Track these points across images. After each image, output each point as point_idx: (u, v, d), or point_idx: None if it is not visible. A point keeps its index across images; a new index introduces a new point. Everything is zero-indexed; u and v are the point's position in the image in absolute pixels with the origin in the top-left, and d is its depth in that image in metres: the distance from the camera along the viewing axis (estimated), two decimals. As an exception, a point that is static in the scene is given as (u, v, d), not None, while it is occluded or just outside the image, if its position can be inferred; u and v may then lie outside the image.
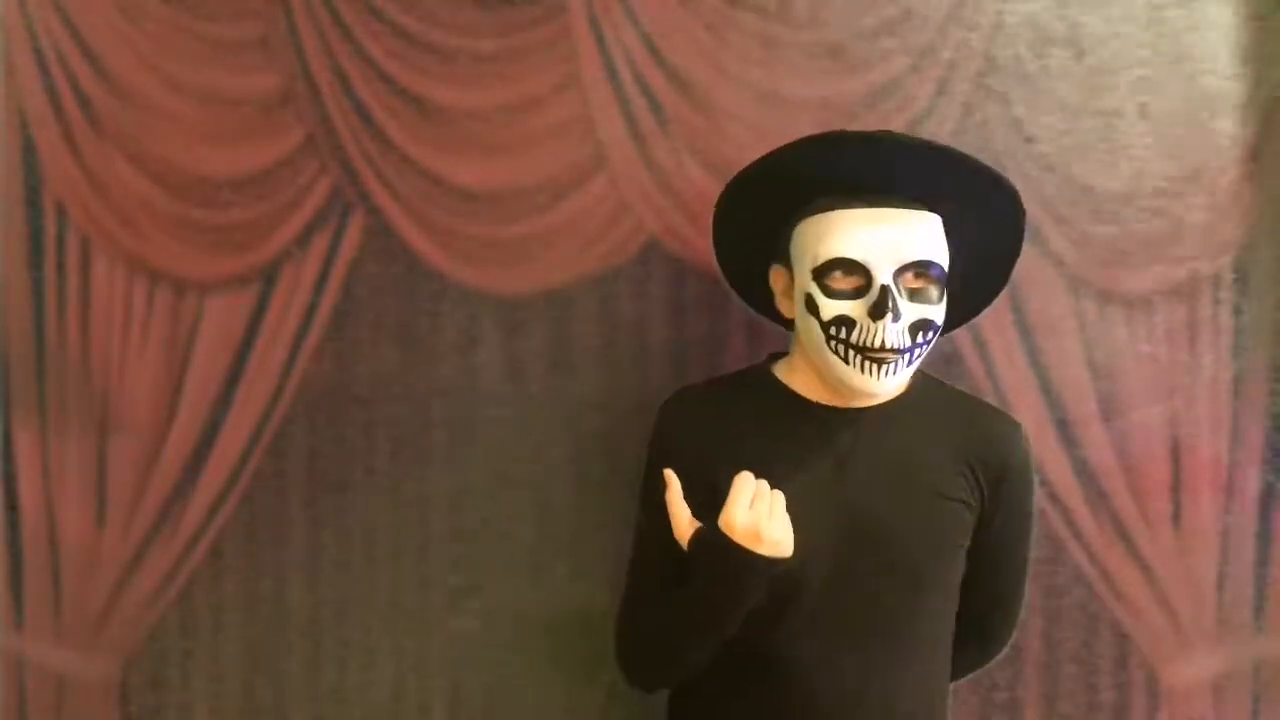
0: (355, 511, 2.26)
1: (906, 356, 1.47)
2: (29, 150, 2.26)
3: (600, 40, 2.18)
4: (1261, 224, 2.20)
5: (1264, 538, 2.23)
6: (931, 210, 1.50)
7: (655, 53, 2.17)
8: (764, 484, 1.46)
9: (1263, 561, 2.24)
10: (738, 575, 1.43)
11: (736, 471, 1.51)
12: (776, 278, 1.60)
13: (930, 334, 1.49)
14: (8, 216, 2.28)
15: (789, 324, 1.63)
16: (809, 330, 1.49)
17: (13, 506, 2.31)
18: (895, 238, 1.44)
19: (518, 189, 2.19)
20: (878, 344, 1.43)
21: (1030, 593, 2.23)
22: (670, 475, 1.54)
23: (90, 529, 2.29)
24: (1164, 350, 2.20)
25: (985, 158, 2.16)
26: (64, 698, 2.31)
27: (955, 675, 1.73)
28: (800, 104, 2.15)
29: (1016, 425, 1.63)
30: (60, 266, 2.28)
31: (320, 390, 2.25)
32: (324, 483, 2.26)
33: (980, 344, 2.19)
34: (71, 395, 2.28)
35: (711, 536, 1.47)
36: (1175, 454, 2.22)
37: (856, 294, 1.44)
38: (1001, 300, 2.19)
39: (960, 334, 2.18)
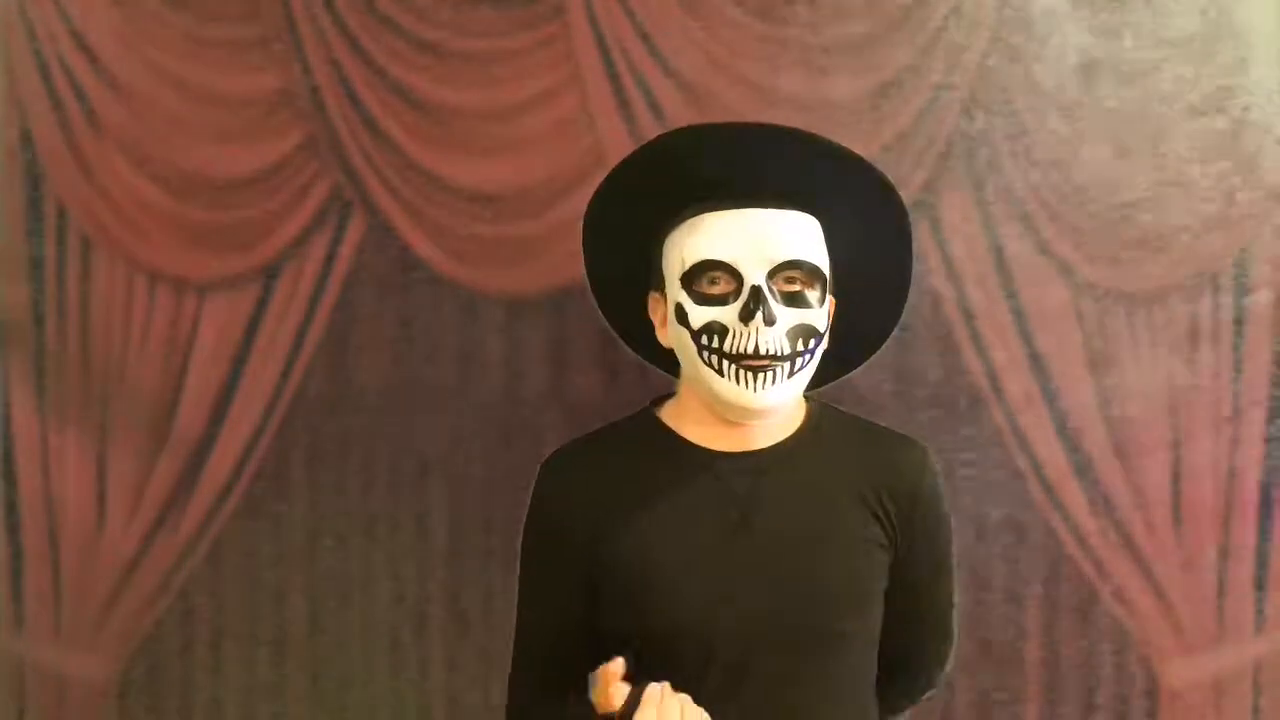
0: (354, 511, 2.26)
1: (786, 366, 1.33)
2: (29, 150, 2.26)
3: (600, 40, 2.18)
4: (1263, 224, 2.20)
5: (1264, 538, 2.23)
6: (809, 213, 1.38)
7: (655, 53, 2.17)
8: (670, 699, 1.27)
9: (1263, 561, 2.24)
10: None
11: (628, 539, 1.36)
12: (654, 306, 1.45)
13: (813, 342, 1.35)
14: (8, 216, 2.28)
15: (674, 366, 1.47)
16: (682, 346, 1.37)
17: (13, 508, 2.31)
18: (765, 236, 1.33)
19: (518, 189, 2.19)
20: (751, 349, 1.31)
21: (1031, 593, 2.23)
22: (613, 669, 1.31)
23: (90, 530, 2.29)
24: (1164, 349, 2.20)
25: (985, 158, 2.18)
26: (64, 698, 2.31)
27: (882, 716, 1.54)
28: (801, 103, 2.15)
29: (923, 450, 1.47)
30: (60, 266, 2.28)
31: (320, 389, 2.25)
32: (323, 482, 2.26)
33: (980, 344, 2.19)
34: (72, 395, 2.28)
35: None
36: (1175, 454, 2.22)
37: (728, 299, 1.33)
38: (1001, 300, 2.20)
39: (960, 334, 2.18)
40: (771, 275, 1.32)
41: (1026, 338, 2.20)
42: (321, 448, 2.26)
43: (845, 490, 1.40)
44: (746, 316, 1.30)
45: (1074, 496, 2.21)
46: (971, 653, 2.22)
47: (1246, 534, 2.23)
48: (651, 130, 2.16)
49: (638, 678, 1.30)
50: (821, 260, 1.36)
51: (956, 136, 2.17)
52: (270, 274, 2.24)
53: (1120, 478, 2.21)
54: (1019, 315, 2.20)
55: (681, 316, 1.35)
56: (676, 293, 1.36)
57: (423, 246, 2.22)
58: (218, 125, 2.22)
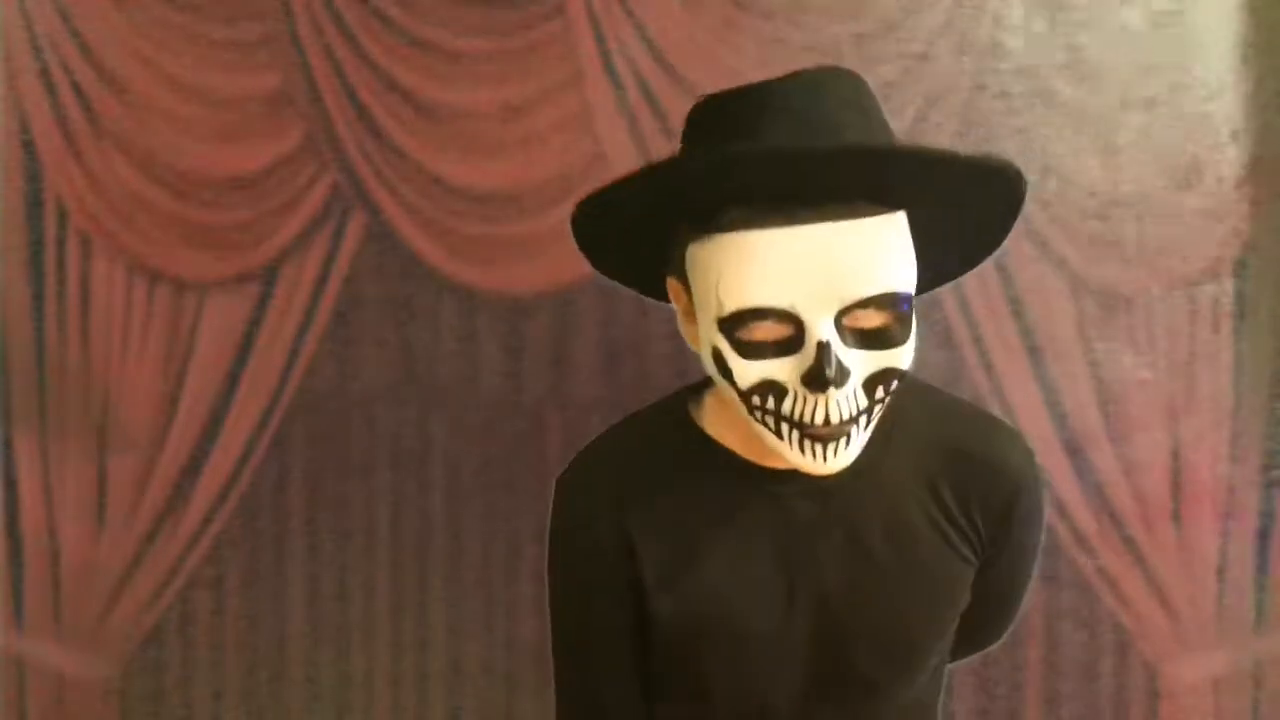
0: (354, 511, 2.26)
1: (863, 420, 1.04)
2: (29, 150, 2.26)
3: (600, 40, 2.18)
4: (1261, 230, 2.20)
5: (1263, 538, 2.23)
6: (888, 206, 1.03)
7: (655, 53, 2.17)
8: None
9: (1262, 562, 2.24)
10: None
11: (679, 575, 1.13)
12: (675, 293, 1.11)
13: (895, 383, 1.05)
14: (8, 216, 2.28)
15: None
16: (725, 391, 1.06)
17: (13, 509, 2.31)
18: (834, 266, 0.99)
19: (518, 189, 2.19)
20: (820, 419, 1.01)
21: (1031, 593, 2.23)
22: None
23: (90, 530, 2.29)
24: (1164, 350, 2.20)
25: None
26: (64, 698, 2.31)
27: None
28: (800, 104, 2.15)
29: (1024, 446, 1.20)
30: (60, 266, 2.28)
31: (320, 390, 2.25)
32: (323, 482, 2.26)
33: (980, 344, 2.19)
34: (71, 396, 2.27)
35: None
36: (1175, 454, 2.22)
37: (783, 349, 1.00)
38: (1001, 300, 2.20)
39: (960, 333, 2.18)
40: (844, 313, 1.00)
41: (1027, 339, 2.20)
42: (321, 447, 2.25)
43: (927, 504, 1.16)
44: (814, 384, 0.99)
45: (1074, 496, 2.21)
46: (971, 653, 2.22)
47: (1246, 534, 2.23)
48: (652, 130, 2.16)
49: None
50: (909, 277, 1.04)
51: (956, 138, 2.17)
52: (270, 274, 2.24)
53: (1120, 478, 2.21)
54: (1019, 316, 2.20)
55: (722, 366, 1.04)
56: (713, 334, 1.03)
57: (423, 246, 2.22)
58: (218, 125, 2.22)
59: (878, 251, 1.02)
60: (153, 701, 2.30)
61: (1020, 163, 2.04)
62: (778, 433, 1.04)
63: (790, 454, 1.05)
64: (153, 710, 2.30)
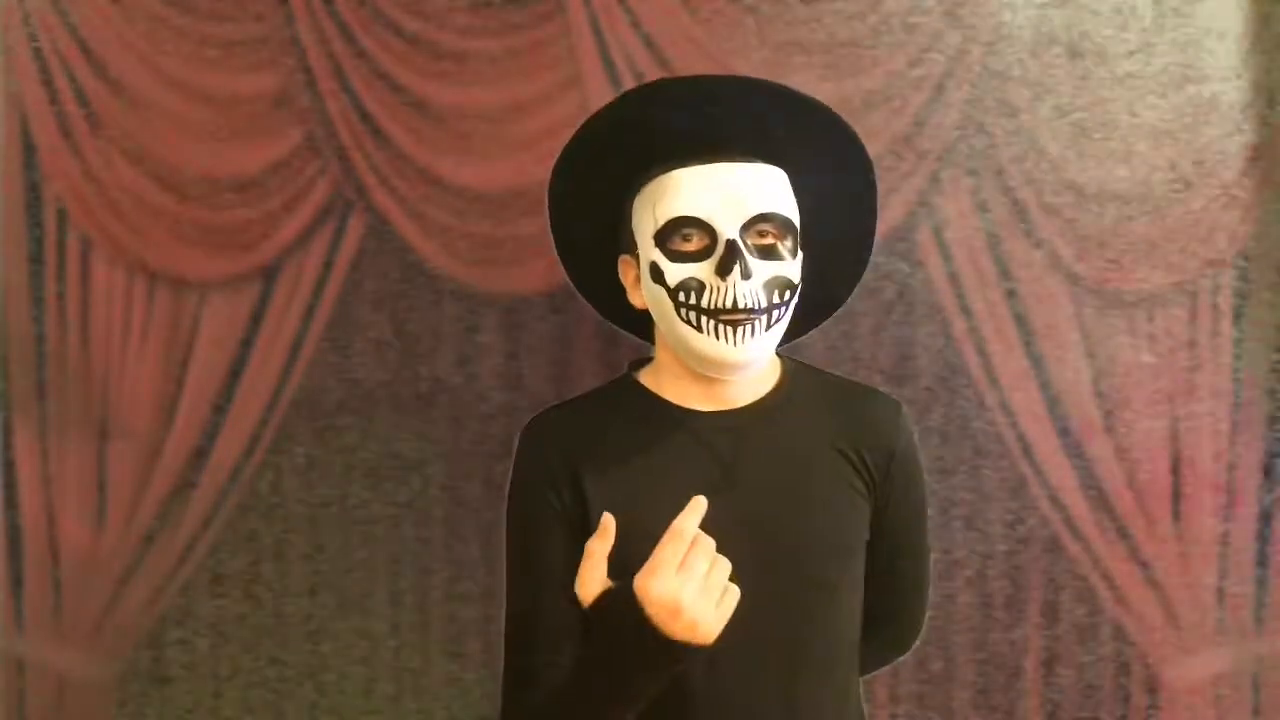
0: (354, 511, 2.26)
1: (764, 318, 1.34)
2: (29, 150, 2.26)
3: (600, 40, 2.18)
4: (1261, 225, 2.20)
5: (1264, 539, 2.24)
6: (776, 165, 1.39)
7: (655, 53, 2.17)
8: (705, 541, 1.26)
9: (1262, 562, 2.24)
10: (636, 658, 1.24)
11: (614, 501, 1.34)
12: (625, 269, 1.46)
13: (788, 294, 1.36)
14: (8, 216, 2.28)
15: (647, 332, 1.49)
16: (659, 305, 1.38)
17: (13, 509, 2.31)
18: (736, 191, 1.34)
19: (518, 189, 2.19)
20: (729, 304, 1.32)
21: (1031, 593, 2.23)
22: (608, 520, 1.32)
23: (90, 531, 2.29)
24: (1164, 350, 2.20)
25: (985, 159, 2.18)
26: (64, 698, 2.31)
27: (863, 670, 1.54)
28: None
29: (898, 405, 1.49)
30: (60, 266, 2.28)
31: (320, 390, 2.25)
32: (323, 482, 2.26)
33: (981, 344, 2.19)
34: (71, 396, 2.28)
35: (615, 601, 1.25)
36: (1176, 454, 2.22)
37: (703, 254, 1.34)
38: (1002, 301, 2.20)
39: (961, 333, 2.19)
40: (744, 229, 1.33)
41: (1026, 338, 2.20)
42: (321, 447, 2.26)
43: (824, 444, 1.42)
44: (723, 271, 1.31)
45: (1074, 497, 2.21)
46: (972, 651, 2.22)
47: (1246, 534, 2.23)
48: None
49: None
50: (792, 212, 1.38)
51: (956, 137, 2.17)
52: (270, 274, 2.24)
53: (1120, 478, 2.21)
54: (1019, 317, 2.20)
55: (657, 275, 1.36)
56: (650, 251, 1.36)
57: (423, 246, 2.22)
58: (218, 125, 2.22)
59: (769, 185, 1.37)
60: (153, 701, 2.30)
61: (1021, 164, 2.09)
62: (699, 326, 1.34)
63: (708, 344, 1.34)
64: (153, 710, 2.30)
